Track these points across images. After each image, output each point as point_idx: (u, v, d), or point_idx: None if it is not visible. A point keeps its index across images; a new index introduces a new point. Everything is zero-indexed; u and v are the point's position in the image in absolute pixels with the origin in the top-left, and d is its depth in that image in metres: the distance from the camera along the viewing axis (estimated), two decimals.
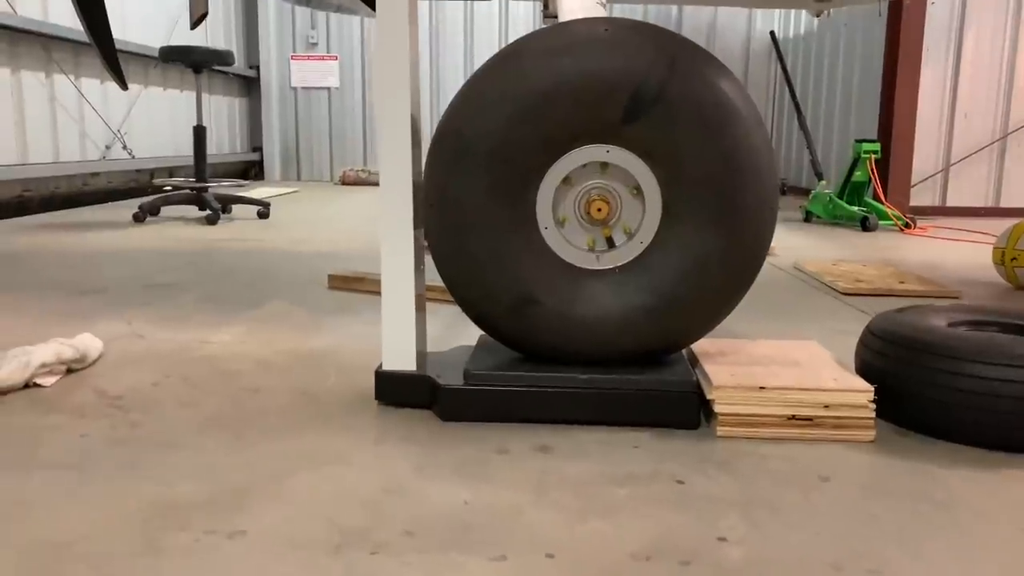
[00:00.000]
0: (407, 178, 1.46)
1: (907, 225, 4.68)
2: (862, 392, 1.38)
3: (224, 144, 7.68)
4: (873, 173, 4.80)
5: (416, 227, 1.49)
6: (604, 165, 1.43)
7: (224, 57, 4.62)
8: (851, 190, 4.92)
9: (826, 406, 1.38)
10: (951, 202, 5.56)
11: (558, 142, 1.39)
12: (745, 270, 1.42)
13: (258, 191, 6.43)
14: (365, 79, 8.07)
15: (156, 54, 5.54)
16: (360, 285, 2.67)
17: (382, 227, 1.48)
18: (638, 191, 1.43)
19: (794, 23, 7.41)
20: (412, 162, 1.46)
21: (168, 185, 4.87)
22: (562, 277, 1.44)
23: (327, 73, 8.13)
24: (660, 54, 1.34)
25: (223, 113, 7.64)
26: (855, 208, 4.79)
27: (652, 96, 1.34)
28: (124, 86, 3.03)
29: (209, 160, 4.57)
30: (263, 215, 4.70)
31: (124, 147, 5.75)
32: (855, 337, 2.09)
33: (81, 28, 5.08)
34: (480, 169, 1.38)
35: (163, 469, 1.21)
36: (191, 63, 4.54)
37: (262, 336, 2.02)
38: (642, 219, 1.43)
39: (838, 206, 4.87)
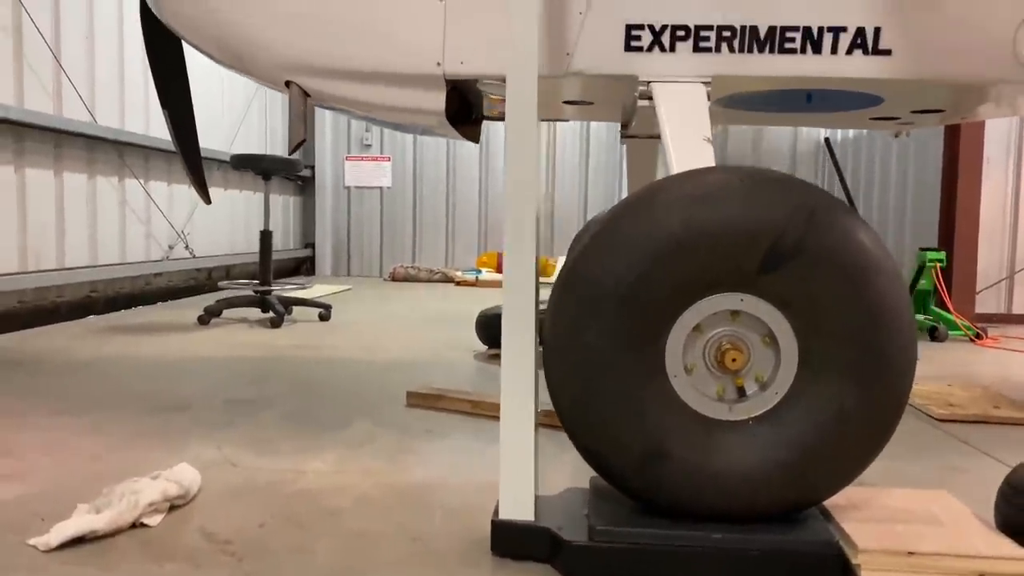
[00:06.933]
0: (531, 327, 1.44)
1: (977, 336, 4.56)
2: (1019, 560, 1.29)
3: (278, 241, 7.83)
4: (939, 282, 4.72)
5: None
6: (735, 313, 1.40)
7: (293, 166, 4.74)
8: (916, 299, 4.83)
9: (981, 574, 1.29)
10: (1017, 309, 5.44)
11: (692, 289, 1.36)
12: (887, 422, 1.36)
13: (314, 289, 6.50)
14: (416, 178, 8.24)
15: (221, 157, 5.76)
16: (439, 403, 2.63)
17: (504, 369, 1.45)
18: (771, 340, 1.39)
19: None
20: (536, 304, 1.45)
21: (234, 287, 4.93)
22: (694, 428, 1.39)
23: (380, 173, 8.32)
24: (799, 205, 1.33)
25: (278, 211, 7.82)
26: (922, 318, 4.70)
27: (791, 247, 1.32)
28: (208, 200, 3.09)
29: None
30: (324, 317, 4.73)
31: (186, 247, 5.88)
32: (971, 476, 2.00)
33: (150, 135, 5.30)
34: (613, 315, 1.36)
35: None
36: (260, 171, 4.66)
37: (356, 465, 1.97)
38: (776, 369, 1.39)
39: None
